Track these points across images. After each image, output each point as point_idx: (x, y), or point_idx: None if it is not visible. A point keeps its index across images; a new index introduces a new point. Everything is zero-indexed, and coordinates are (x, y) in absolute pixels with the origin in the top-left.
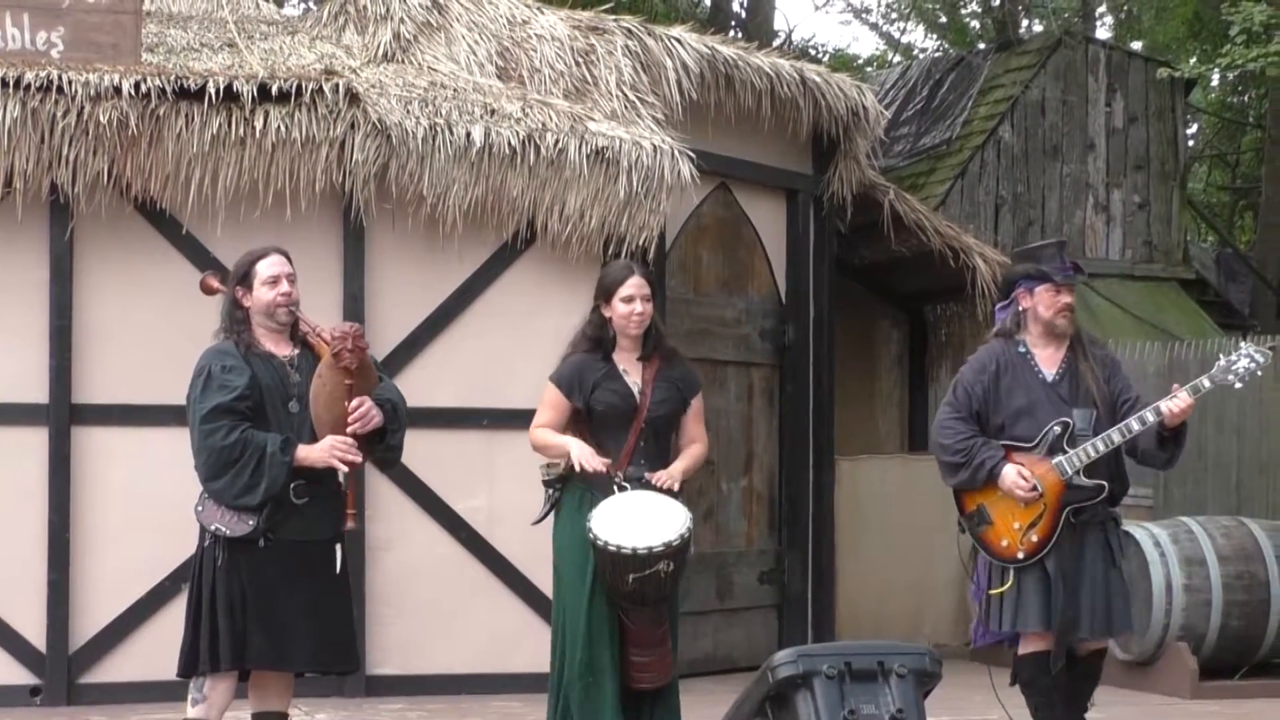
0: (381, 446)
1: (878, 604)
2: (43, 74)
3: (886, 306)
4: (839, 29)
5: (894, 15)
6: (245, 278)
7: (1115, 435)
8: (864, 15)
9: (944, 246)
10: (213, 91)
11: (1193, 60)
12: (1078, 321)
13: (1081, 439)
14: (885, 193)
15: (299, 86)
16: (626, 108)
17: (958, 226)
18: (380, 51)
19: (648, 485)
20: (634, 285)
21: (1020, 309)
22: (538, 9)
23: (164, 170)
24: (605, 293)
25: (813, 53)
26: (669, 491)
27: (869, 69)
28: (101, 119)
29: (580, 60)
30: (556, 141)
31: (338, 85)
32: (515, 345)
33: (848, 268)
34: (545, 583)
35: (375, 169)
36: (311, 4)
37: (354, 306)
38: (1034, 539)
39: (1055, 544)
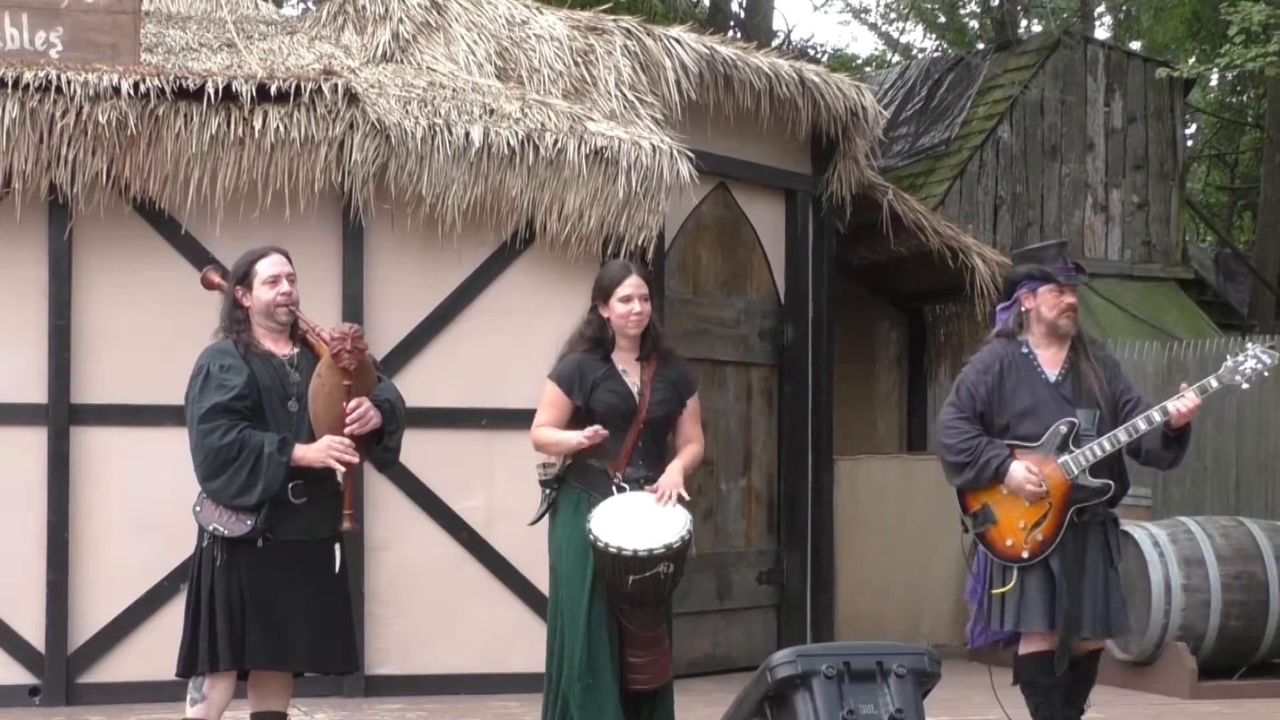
0: (379, 447)
1: (876, 604)
2: (41, 74)
3: (885, 307)
4: (838, 29)
5: (893, 15)
6: (245, 277)
7: (1122, 435)
8: (863, 15)
9: (943, 247)
10: (211, 92)
11: (1191, 60)
12: (1079, 322)
13: (1086, 439)
14: (884, 193)
15: (298, 87)
16: (625, 108)
17: (957, 227)
18: (379, 51)
19: (647, 486)
20: (632, 285)
21: (1023, 309)
22: (536, 9)
23: (163, 170)
24: (603, 293)
25: (812, 53)
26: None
27: (868, 69)
28: (100, 119)
29: (579, 60)
30: (555, 141)
31: (336, 85)
32: (514, 345)
33: (847, 268)
34: (544, 583)
35: (374, 169)
36: (310, 4)
37: (353, 306)
38: (1039, 537)
39: (1059, 544)
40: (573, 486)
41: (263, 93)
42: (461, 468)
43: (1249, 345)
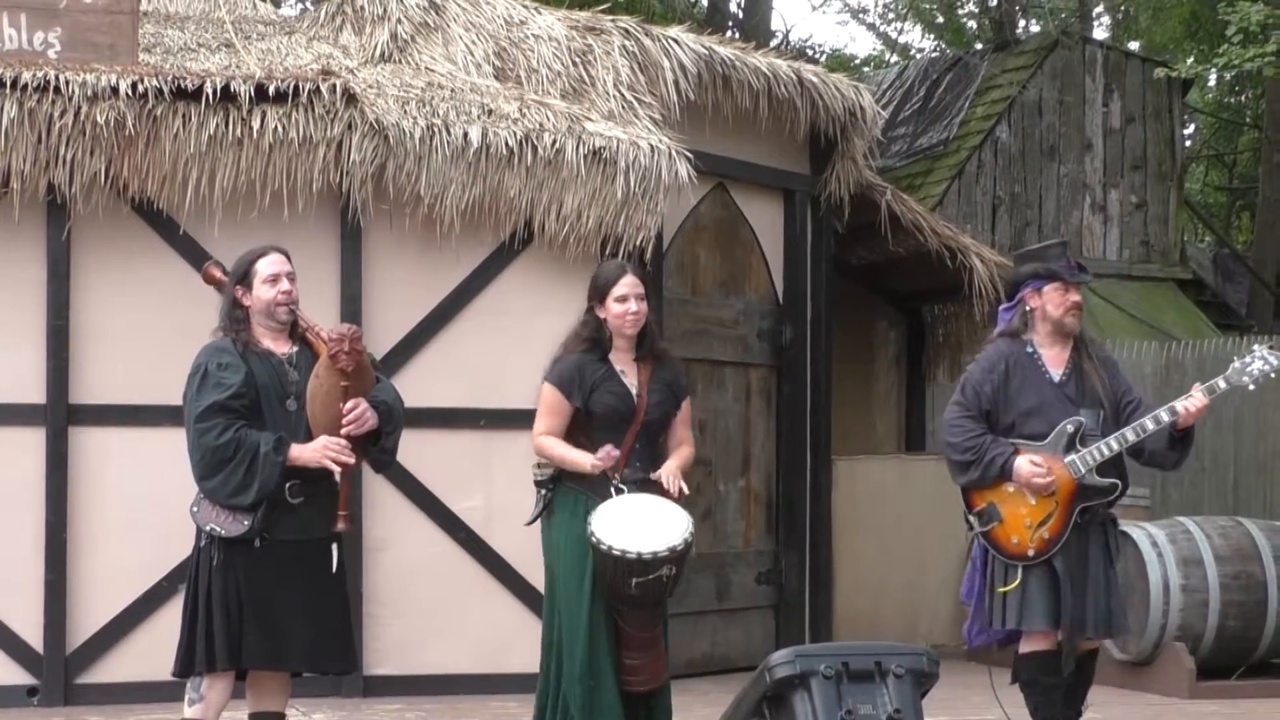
0: (376, 448)
1: (875, 604)
2: (40, 74)
3: (884, 307)
4: (836, 29)
5: (891, 15)
6: (245, 276)
7: (1130, 434)
8: (861, 15)
9: (941, 247)
10: (210, 92)
11: (1190, 60)
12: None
13: (1091, 439)
14: (882, 193)
15: (296, 87)
16: (624, 108)
17: (955, 227)
18: (377, 52)
19: (646, 487)
20: (628, 284)
21: (1028, 308)
22: (535, 9)
23: (161, 170)
24: (599, 293)
25: (810, 53)
26: (668, 493)
27: (866, 69)
28: (99, 119)
29: (577, 60)
30: (554, 142)
31: (335, 85)
32: (513, 345)
33: (845, 268)
34: (542, 583)
35: (372, 169)
36: (309, 4)
37: (351, 306)
38: (1045, 536)
39: (1063, 543)
40: (569, 487)
41: (261, 93)
42: (460, 468)
43: (1255, 346)
